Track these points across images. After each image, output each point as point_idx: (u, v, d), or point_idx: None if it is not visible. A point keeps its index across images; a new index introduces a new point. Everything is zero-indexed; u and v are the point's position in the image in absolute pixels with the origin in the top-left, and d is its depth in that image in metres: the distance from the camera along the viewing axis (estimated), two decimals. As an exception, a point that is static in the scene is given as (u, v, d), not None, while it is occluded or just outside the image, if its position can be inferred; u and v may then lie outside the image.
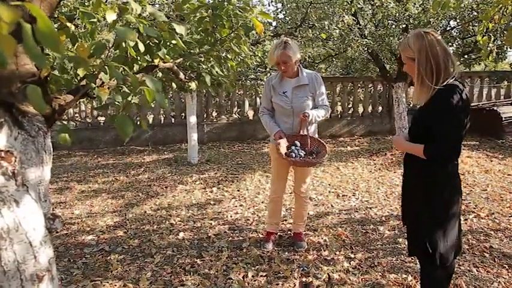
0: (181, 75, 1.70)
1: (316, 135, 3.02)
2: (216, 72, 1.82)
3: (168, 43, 1.57)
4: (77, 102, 5.32)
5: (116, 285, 2.70)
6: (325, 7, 4.82)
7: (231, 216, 3.90)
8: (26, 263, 1.07)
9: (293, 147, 2.78)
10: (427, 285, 2.02)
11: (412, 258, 2.93)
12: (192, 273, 2.82)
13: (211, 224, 3.72)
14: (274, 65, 2.84)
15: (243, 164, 5.92)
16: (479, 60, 6.54)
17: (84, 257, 3.11)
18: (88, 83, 1.34)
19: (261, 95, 7.84)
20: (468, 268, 2.80)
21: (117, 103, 1.32)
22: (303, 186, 3.13)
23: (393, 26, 5.64)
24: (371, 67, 7.09)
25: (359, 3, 5.23)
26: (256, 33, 1.79)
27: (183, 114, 7.52)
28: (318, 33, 4.99)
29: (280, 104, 2.87)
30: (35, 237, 1.09)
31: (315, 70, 8.85)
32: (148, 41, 1.45)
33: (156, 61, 1.54)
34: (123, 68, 1.24)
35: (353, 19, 5.34)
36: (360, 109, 8.05)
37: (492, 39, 2.86)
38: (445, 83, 1.73)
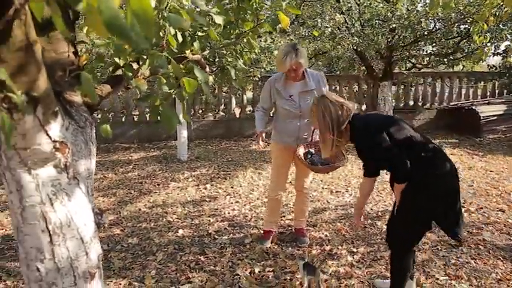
0: (208, 69, 1.67)
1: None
2: (240, 65, 1.80)
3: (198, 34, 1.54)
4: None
5: (120, 283, 2.63)
6: (317, 5, 4.85)
7: (228, 213, 3.87)
8: (79, 259, 1.02)
9: (309, 156, 2.79)
10: None
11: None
12: (197, 270, 2.79)
13: (209, 220, 3.69)
14: (283, 71, 2.79)
15: (234, 161, 5.89)
16: (459, 61, 6.78)
17: (83, 256, 3.01)
18: (125, 72, 1.29)
19: (248, 91, 7.82)
20: (466, 260, 2.89)
21: (158, 93, 1.28)
22: (306, 183, 3.14)
23: (381, 26, 5.75)
24: (357, 66, 7.23)
25: (349, 3, 5.31)
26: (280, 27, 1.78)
27: (169, 110, 7.40)
28: (309, 31, 5.01)
29: (287, 108, 2.85)
30: (86, 233, 1.04)
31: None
32: (183, 32, 1.42)
33: (188, 52, 1.50)
34: (167, 57, 1.20)
35: (344, 18, 5.41)
36: (345, 107, 8.17)
37: (488, 38, 2.97)
38: (345, 124, 2.12)
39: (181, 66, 1.49)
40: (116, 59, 1.21)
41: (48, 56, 1.13)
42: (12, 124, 0.78)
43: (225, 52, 1.81)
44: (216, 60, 1.91)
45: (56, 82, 1.08)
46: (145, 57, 1.26)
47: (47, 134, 0.91)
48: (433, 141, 2.22)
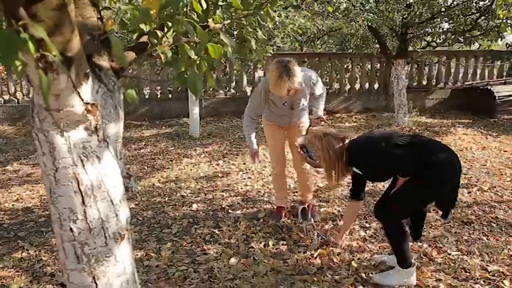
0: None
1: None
2: (260, 36, 1.78)
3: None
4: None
5: (137, 254, 2.70)
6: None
7: (241, 188, 3.91)
8: (109, 221, 1.05)
9: (305, 151, 2.78)
10: None
11: (424, 228, 3.02)
12: (212, 243, 2.84)
13: (223, 195, 3.74)
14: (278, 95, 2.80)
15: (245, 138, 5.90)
16: (476, 39, 6.60)
17: (101, 227, 3.09)
18: (149, 39, 1.29)
19: (259, 69, 7.76)
20: (478, 237, 2.90)
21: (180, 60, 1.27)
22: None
23: (396, 2, 5.59)
24: (370, 44, 7.08)
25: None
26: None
27: (180, 88, 7.40)
28: (324, 6, 4.91)
29: (281, 112, 2.95)
30: (116, 195, 1.07)
31: (312, 45, 8.77)
32: (206, -1, 1.40)
33: (210, 21, 1.49)
34: (192, 23, 1.19)
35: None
36: (357, 86, 8.07)
37: (512, 13, 2.88)
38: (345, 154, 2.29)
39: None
40: (142, 25, 1.20)
41: (76, 21, 1.13)
42: (48, 81, 0.79)
43: (245, 23, 1.79)
44: (235, 32, 1.89)
45: (84, 46, 1.09)
46: (170, 24, 1.26)
47: (79, 96, 0.92)
48: (427, 136, 2.35)
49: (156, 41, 1.27)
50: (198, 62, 1.26)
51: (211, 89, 7.59)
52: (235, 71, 7.72)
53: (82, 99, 0.93)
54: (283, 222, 3.11)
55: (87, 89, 0.95)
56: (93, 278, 1.06)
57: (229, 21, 1.67)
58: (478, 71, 8.22)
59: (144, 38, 1.32)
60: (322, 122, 2.94)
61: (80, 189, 0.99)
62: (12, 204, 3.70)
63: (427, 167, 2.12)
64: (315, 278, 2.36)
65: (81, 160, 0.98)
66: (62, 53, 0.83)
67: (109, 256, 1.07)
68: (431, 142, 2.34)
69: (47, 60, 0.80)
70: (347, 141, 2.32)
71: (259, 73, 8.00)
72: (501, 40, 5.91)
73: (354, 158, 2.31)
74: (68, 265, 1.07)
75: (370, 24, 5.80)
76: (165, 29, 1.28)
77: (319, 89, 2.99)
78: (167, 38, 1.30)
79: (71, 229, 1.00)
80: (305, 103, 3.00)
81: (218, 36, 1.55)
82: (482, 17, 5.77)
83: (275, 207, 3.31)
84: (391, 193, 2.35)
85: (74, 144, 0.97)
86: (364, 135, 2.68)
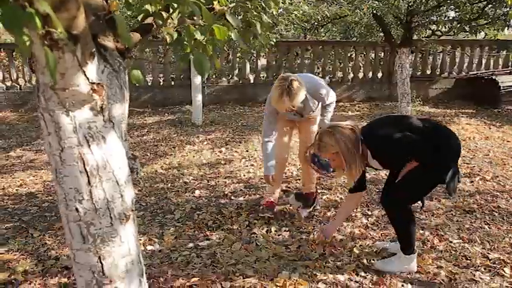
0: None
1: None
2: (265, 19, 1.76)
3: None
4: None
5: (140, 239, 2.72)
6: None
7: (244, 175, 3.92)
8: (114, 201, 1.05)
9: (316, 160, 2.76)
10: None
11: (426, 216, 3.04)
12: (215, 229, 2.86)
13: (225, 182, 3.75)
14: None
15: (248, 126, 5.90)
16: (482, 28, 6.51)
17: (104, 212, 3.11)
18: (155, 20, 1.27)
19: (262, 58, 7.70)
20: (480, 225, 2.91)
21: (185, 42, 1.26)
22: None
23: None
24: (375, 32, 7.00)
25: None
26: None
27: (183, 75, 7.37)
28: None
29: (291, 118, 2.97)
30: (121, 176, 1.07)
31: (316, 33, 8.67)
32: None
33: (215, 3, 1.47)
34: (198, 4, 1.18)
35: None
36: (360, 74, 8.01)
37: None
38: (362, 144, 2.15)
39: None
40: (147, 6, 1.19)
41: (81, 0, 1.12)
42: (55, 58, 0.79)
43: (249, 6, 1.77)
44: (240, 17, 1.86)
45: (89, 26, 1.08)
46: (175, 5, 1.24)
47: (85, 75, 0.91)
48: (435, 119, 2.31)
49: (161, 22, 1.26)
50: (204, 44, 1.25)
51: (214, 76, 7.56)
52: (238, 59, 7.67)
53: (88, 79, 0.93)
54: (285, 209, 3.12)
55: (92, 69, 0.94)
56: (99, 258, 1.07)
57: (234, 4, 1.65)
58: (483, 61, 8.14)
59: (149, 20, 1.31)
60: None
61: (85, 169, 0.99)
62: (16, 190, 3.73)
63: (436, 151, 2.11)
64: (316, 264, 2.38)
65: (87, 140, 0.98)
66: (68, 30, 0.82)
67: (114, 236, 1.08)
68: (439, 126, 2.34)
69: (53, 38, 0.79)
70: (357, 130, 2.17)
71: (262, 61, 7.94)
72: (507, 29, 5.83)
73: (370, 146, 2.19)
74: (74, 245, 1.08)
75: (374, 12, 5.73)
76: (171, 10, 1.26)
77: (329, 99, 2.92)
78: (172, 19, 1.28)
79: (77, 209, 1.00)
80: (316, 109, 2.96)
81: (223, 19, 1.54)
82: (489, 5, 5.69)
83: (266, 200, 3.13)
84: (397, 180, 2.33)
85: (79, 124, 0.97)
86: (371, 122, 2.56)
